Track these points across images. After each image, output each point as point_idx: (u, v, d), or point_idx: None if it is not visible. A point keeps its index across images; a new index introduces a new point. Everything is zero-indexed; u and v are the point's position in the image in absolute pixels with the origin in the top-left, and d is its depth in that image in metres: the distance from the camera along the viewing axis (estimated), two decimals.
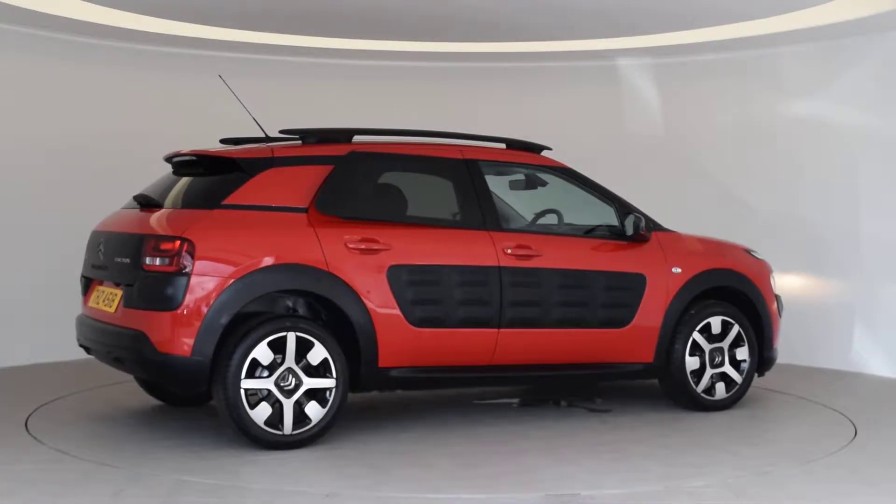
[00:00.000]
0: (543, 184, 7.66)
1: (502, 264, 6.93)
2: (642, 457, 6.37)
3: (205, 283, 6.18)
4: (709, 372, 7.57)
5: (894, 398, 8.50)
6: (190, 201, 6.57)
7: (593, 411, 7.58)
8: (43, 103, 9.54)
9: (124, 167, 9.30)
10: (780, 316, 8.04)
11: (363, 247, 6.57)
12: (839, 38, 9.43)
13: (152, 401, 7.68)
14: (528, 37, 10.13)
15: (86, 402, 7.79)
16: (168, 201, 6.66)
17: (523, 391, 8.24)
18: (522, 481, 5.80)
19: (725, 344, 7.63)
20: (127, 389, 8.06)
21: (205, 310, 6.17)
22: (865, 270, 9.51)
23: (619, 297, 7.32)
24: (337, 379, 6.42)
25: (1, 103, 9.29)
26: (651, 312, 7.38)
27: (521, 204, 8.18)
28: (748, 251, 8.04)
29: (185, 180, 6.81)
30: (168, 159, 7.08)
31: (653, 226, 7.53)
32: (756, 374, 7.87)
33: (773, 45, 9.86)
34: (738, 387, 7.66)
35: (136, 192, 7.01)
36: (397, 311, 6.61)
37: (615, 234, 7.42)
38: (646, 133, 10.80)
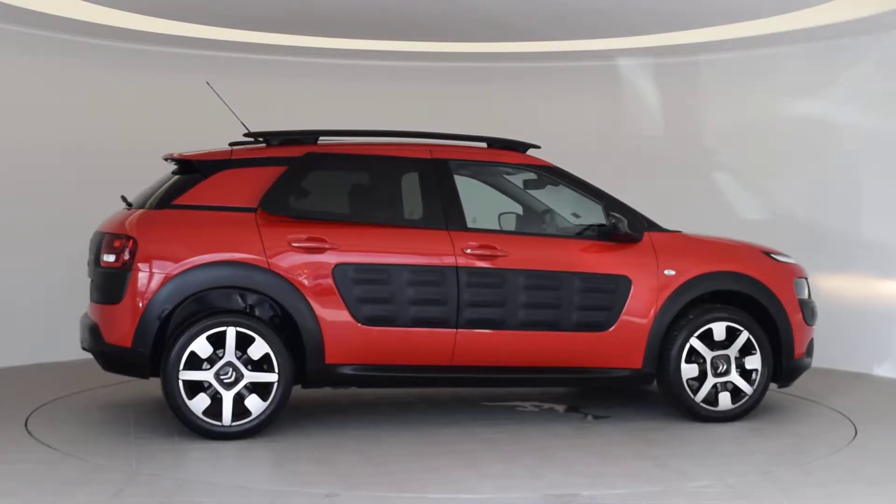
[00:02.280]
0: (556, 183, 7.43)
1: (460, 264, 6.89)
2: (567, 462, 6.21)
3: (145, 278, 6.55)
4: (710, 380, 7.17)
5: (894, 398, 8.50)
6: (154, 201, 6.84)
7: (593, 417, 7.52)
8: (43, 103, 9.53)
9: (124, 167, 9.28)
10: (811, 323, 7.57)
11: (308, 245, 6.69)
12: (839, 38, 9.43)
13: (152, 400, 7.67)
14: (528, 37, 10.13)
15: (86, 402, 7.79)
16: (150, 201, 6.90)
17: (564, 396, 8.18)
18: (391, 482, 5.71)
19: (732, 352, 7.22)
20: (127, 389, 8.07)
21: (143, 304, 6.53)
22: (866, 269, 9.50)
23: (598, 299, 7.07)
24: (279, 374, 6.55)
25: (1, 103, 9.28)
26: (637, 316, 7.10)
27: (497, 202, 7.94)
28: (768, 253, 7.59)
29: (171, 180, 7.02)
30: (165, 160, 7.26)
31: (647, 226, 7.25)
32: (776, 385, 7.52)
33: (773, 45, 9.86)
34: (746, 398, 7.23)
35: (136, 193, 7.17)
36: (343, 309, 6.70)
37: (604, 234, 7.21)
38: (646, 133, 10.79)
